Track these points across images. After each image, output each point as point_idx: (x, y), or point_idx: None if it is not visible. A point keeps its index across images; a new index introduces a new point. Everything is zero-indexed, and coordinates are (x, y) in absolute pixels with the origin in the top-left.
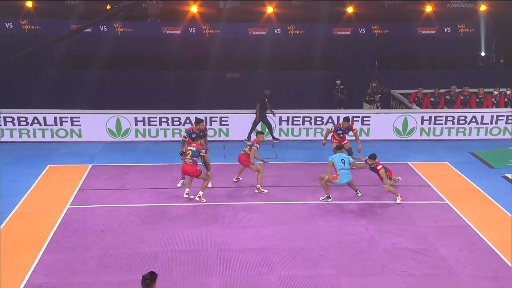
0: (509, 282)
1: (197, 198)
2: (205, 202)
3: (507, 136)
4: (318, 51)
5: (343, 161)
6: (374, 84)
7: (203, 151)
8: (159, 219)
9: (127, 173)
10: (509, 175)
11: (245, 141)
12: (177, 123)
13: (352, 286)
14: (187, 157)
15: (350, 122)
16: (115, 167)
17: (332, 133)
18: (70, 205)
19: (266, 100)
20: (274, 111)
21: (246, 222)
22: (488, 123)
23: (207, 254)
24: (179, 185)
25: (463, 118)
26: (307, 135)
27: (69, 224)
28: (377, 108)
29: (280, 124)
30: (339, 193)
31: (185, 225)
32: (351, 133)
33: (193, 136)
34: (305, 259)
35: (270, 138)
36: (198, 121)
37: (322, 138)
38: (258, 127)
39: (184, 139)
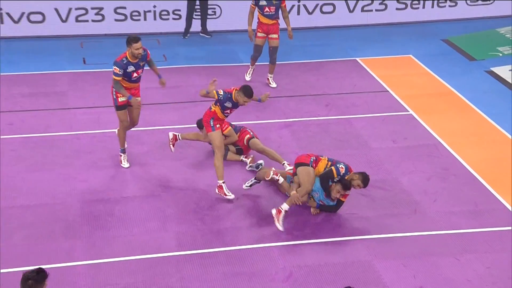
0: (492, 217)
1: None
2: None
3: (494, 12)
4: None
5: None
6: None
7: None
8: None
9: None
10: (495, 69)
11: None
12: None
13: (279, 239)
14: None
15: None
16: None
17: (257, 15)
18: None
19: None
20: None
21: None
22: None
23: (64, 209)
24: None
25: None
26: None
27: None
28: None
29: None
30: (264, 114)
31: (27, 167)
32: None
33: (129, 69)
34: (212, 208)
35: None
36: (134, 39)
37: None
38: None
39: (117, 78)
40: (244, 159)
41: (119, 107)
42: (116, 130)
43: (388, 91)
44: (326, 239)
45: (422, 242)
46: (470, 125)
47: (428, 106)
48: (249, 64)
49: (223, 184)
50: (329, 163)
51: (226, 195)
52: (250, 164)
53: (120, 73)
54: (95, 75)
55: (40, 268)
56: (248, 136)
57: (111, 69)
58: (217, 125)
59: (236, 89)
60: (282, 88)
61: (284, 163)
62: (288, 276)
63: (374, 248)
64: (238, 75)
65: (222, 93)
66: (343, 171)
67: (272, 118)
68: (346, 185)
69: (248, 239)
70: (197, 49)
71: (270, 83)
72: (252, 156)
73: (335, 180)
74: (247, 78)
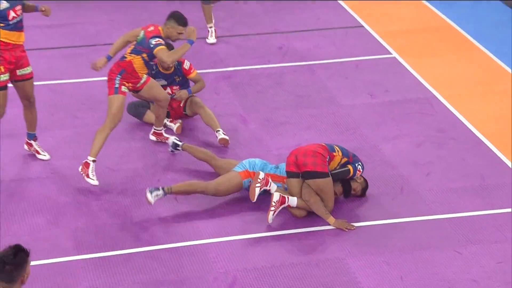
0: (504, 195)
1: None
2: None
3: None
4: None
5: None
6: None
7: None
8: None
9: None
10: None
11: None
12: None
13: (217, 234)
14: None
15: None
16: None
17: None
18: None
19: None
20: None
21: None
22: None
23: None
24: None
25: None
26: None
27: None
28: None
29: None
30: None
31: None
32: None
33: (2, 5)
34: (122, 193)
35: None
36: None
37: None
38: None
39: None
40: (168, 123)
41: None
42: None
43: (362, 26)
44: (283, 232)
45: (411, 232)
46: (475, 70)
47: (418, 46)
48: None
49: (92, 163)
50: (344, 159)
51: (88, 176)
52: (171, 149)
53: None
54: None
55: (17, 246)
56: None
57: None
58: (123, 88)
59: (159, 27)
60: (218, 26)
61: (219, 131)
62: (232, 284)
63: (347, 241)
64: (152, 10)
65: (154, 42)
66: (360, 174)
67: (205, 66)
68: (347, 193)
69: (174, 235)
70: None
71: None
72: (180, 121)
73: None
74: (211, 40)
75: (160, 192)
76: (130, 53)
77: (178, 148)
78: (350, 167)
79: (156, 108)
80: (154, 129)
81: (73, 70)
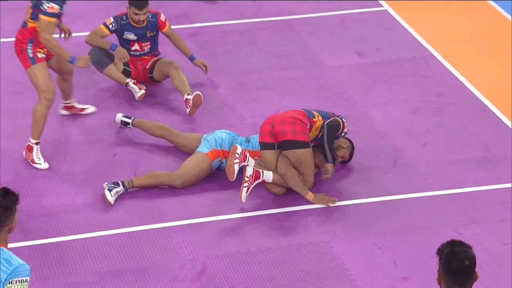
0: (509, 166)
1: None
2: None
3: None
4: None
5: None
6: None
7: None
8: None
9: None
10: None
11: None
12: None
13: (183, 216)
14: None
15: None
16: None
17: None
18: None
19: None
20: None
21: None
22: None
23: None
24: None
25: None
26: None
27: None
28: None
29: None
30: None
31: None
32: None
33: None
34: (73, 173)
35: None
36: None
37: None
38: None
39: None
40: (132, 84)
41: None
42: None
43: None
44: (259, 212)
45: (406, 210)
46: (478, 25)
47: None
48: None
49: (35, 146)
50: (325, 121)
51: (34, 162)
52: (120, 126)
53: None
54: None
55: (4, 189)
56: (156, 59)
57: None
58: (39, 55)
59: None
60: None
61: (189, 94)
62: (201, 272)
63: (333, 222)
64: None
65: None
66: (347, 130)
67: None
68: (333, 158)
69: (133, 218)
70: None
71: None
72: (144, 88)
73: (337, 136)
74: None
75: (120, 188)
76: (30, 18)
77: (128, 126)
78: (339, 120)
79: (60, 81)
80: (63, 102)
81: (14, 27)
